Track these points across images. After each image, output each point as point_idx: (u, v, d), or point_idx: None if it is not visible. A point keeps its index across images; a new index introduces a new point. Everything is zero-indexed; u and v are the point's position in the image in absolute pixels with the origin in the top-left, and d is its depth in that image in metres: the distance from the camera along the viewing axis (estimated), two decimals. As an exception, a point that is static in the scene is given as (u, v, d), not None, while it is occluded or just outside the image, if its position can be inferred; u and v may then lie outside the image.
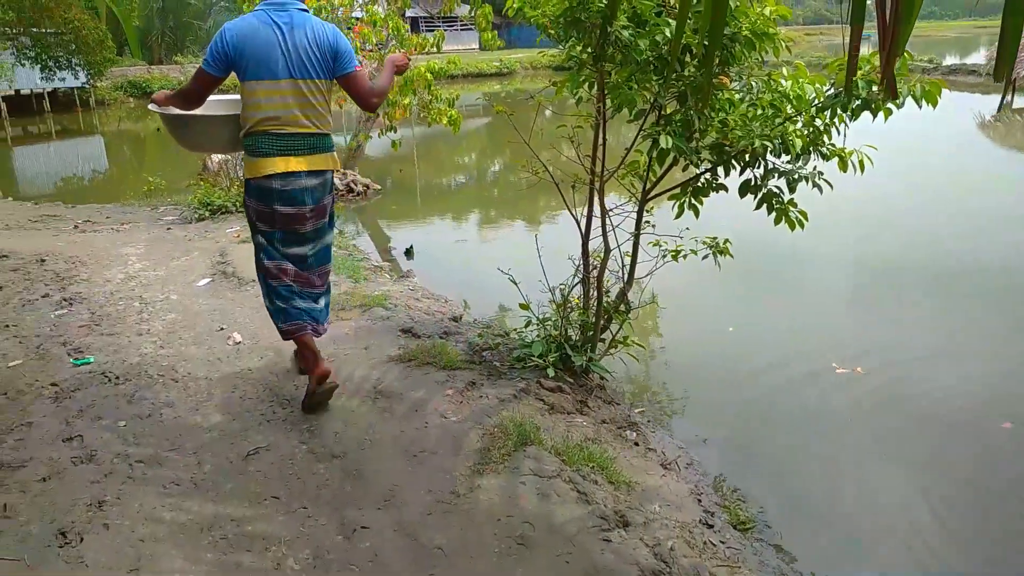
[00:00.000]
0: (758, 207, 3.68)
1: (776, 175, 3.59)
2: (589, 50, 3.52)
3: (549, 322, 4.05)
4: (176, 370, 3.86)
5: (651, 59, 3.37)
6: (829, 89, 3.43)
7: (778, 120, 3.43)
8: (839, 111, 3.35)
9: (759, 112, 3.48)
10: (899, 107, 3.29)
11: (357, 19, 8.59)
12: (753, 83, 3.59)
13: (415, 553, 2.51)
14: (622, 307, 4.02)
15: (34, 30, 19.60)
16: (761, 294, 6.11)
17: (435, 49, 8.62)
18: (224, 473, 2.96)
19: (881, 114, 3.30)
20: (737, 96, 3.57)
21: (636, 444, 3.50)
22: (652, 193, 3.85)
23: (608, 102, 3.67)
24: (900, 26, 1.48)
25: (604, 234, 3.86)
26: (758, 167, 3.59)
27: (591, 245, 4.00)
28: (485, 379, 3.77)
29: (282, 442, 3.18)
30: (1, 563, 2.44)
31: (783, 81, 3.51)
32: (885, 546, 3.18)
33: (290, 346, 3.94)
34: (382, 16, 7.96)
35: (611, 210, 3.87)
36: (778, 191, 3.64)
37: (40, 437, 3.21)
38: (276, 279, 3.39)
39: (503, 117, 3.89)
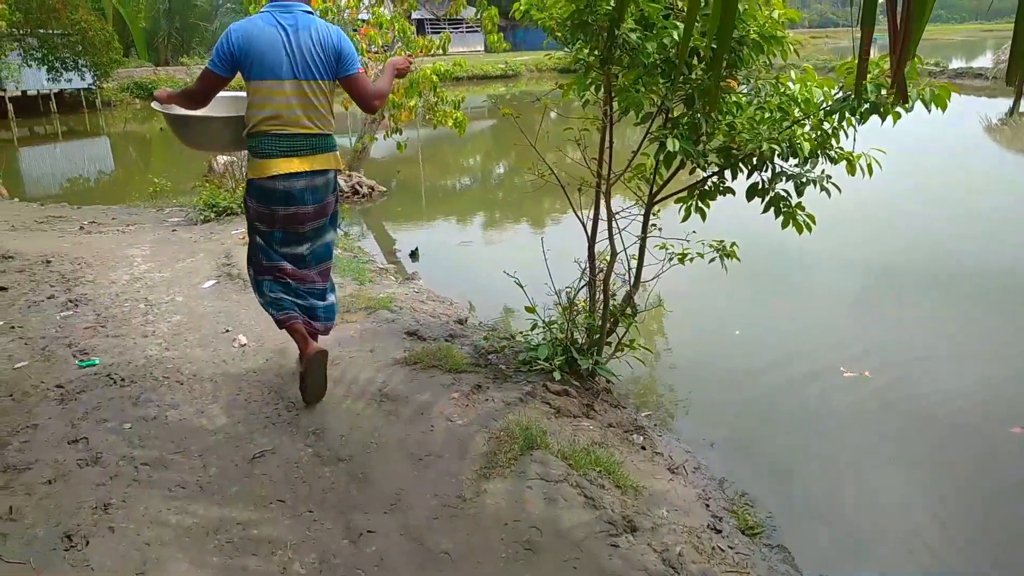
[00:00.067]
0: (765, 210, 3.66)
1: (784, 178, 3.58)
2: (596, 53, 3.51)
3: (555, 325, 4.04)
4: (181, 372, 3.86)
5: (658, 62, 3.35)
6: (837, 92, 3.42)
7: (786, 123, 3.42)
8: (847, 114, 3.34)
9: (767, 115, 3.47)
10: (908, 111, 3.27)
11: (363, 21, 8.60)
12: (761, 86, 3.57)
13: (422, 558, 2.50)
14: (628, 310, 4.01)
15: (41, 31, 19.68)
16: (767, 297, 6.09)
17: (441, 51, 8.61)
18: (229, 476, 2.95)
19: (889, 117, 3.29)
20: (744, 99, 3.56)
21: (643, 448, 3.48)
22: (659, 196, 3.84)
23: (615, 105, 3.66)
24: (911, 27, 1.46)
25: (611, 237, 3.84)
26: (766, 170, 3.58)
27: (597, 248, 3.99)
28: (491, 382, 3.76)
29: (287, 445, 3.17)
30: (7, 566, 2.43)
31: (791, 84, 3.49)
32: (893, 551, 3.16)
33: (295, 349, 3.94)
34: (388, 18, 7.96)
35: (617, 213, 3.86)
36: (786, 194, 3.62)
37: (46, 439, 3.20)
38: (269, 276, 3.46)
39: (508, 119, 3.89)
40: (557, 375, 3.75)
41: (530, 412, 3.44)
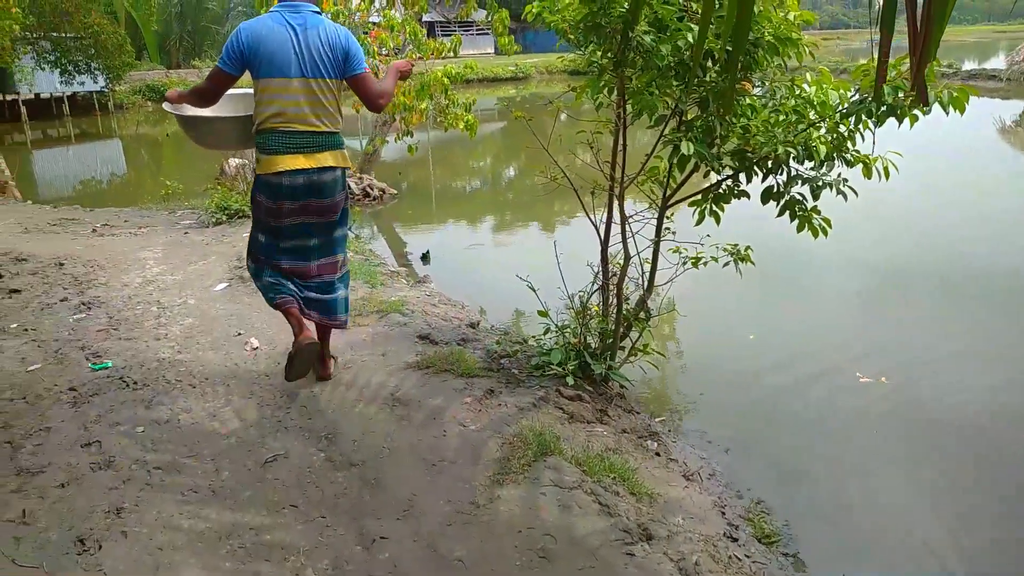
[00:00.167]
0: (780, 214, 3.63)
1: (799, 182, 3.54)
2: (609, 55, 3.49)
3: (568, 329, 4.01)
4: (194, 375, 3.86)
5: (672, 64, 3.33)
6: (853, 95, 3.39)
7: (801, 126, 3.39)
8: (863, 117, 3.30)
9: (781, 118, 3.44)
10: (926, 113, 3.23)
11: (374, 24, 8.60)
12: (776, 89, 3.54)
13: (435, 564, 2.48)
14: (642, 314, 3.98)
15: (54, 34, 19.81)
16: (781, 300, 6.05)
17: (452, 54, 8.60)
18: (242, 480, 2.94)
19: (906, 120, 3.25)
20: (759, 102, 3.53)
21: (657, 454, 3.45)
22: (672, 199, 3.81)
23: (628, 107, 3.63)
24: (932, 28, 1.43)
25: (624, 241, 3.82)
26: (781, 173, 3.55)
27: (609, 251, 3.96)
28: (503, 387, 3.73)
29: (300, 449, 3.16)
30: (20, 570, 2.43)
31: (806, 87, 3.46)
32: (911, 560, 3.12)
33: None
34: (399, 21, 7.96)
35: (631, 216, 3.83)
36: (801, 198, 3.59)
37: (58, 442, 3.20)
38: (268, 267, 3.54)
39: (518, 121, 3.88)
40: (570, 380, 3.72)
41: (543, 417, 3.42)
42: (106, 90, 24.60)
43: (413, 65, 4.11)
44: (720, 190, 3.69)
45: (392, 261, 7.54)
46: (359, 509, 2.76)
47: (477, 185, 13.93)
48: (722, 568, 2.61)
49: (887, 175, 3.40)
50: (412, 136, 8.61)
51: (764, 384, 4.61)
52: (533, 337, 4.32)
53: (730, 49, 3.21)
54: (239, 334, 4.43)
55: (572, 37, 3.60)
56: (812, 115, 3.40)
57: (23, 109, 22.73)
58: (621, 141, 3.72)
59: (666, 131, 3.54)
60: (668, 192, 3.78)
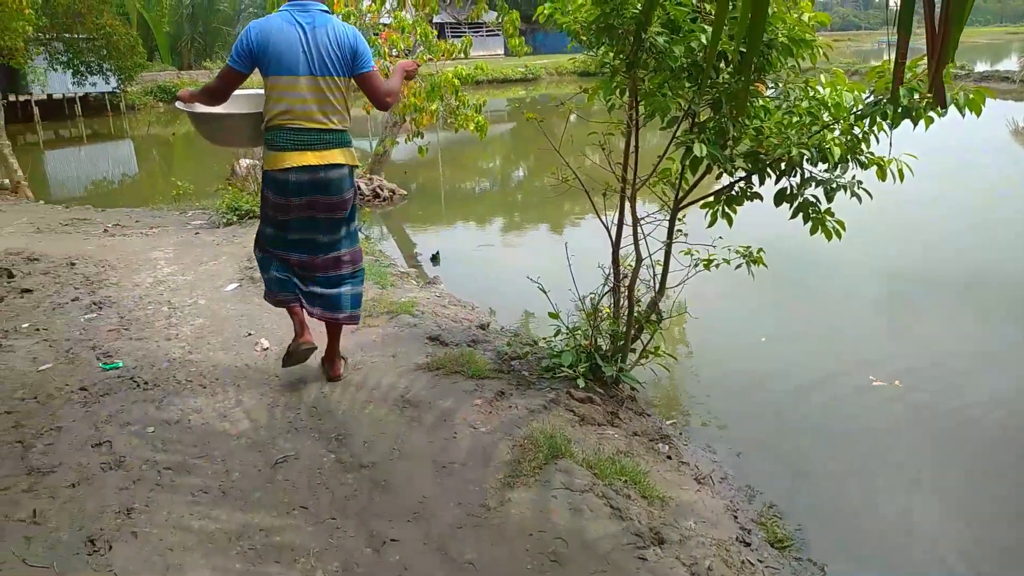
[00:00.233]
0: (794, 216, 3.60)
1: (813, 184, 3.51)
2: (622, 56, 3.47)
3: (579, 331, 3.99)
4: (204, 376, 3.86)
5: (685, 66, 3.31)
6: (868, 96, 3.36)
7: (815, 128, 3.36)
8: (878, 119, 3.27)
9: (795, 120, 3.41)
10: (941, 115, 3.20)
11: (385, 25, 8.60)
12: (789, 90, 3.51)
13: (445, 567, 2.47)
14: (653, 317, 3.96)
15: (67, 36, 19.91)
16: (793, 303, 6.01)
17: (462, 55, 8.60)
18: (252, 481, 2.93)
19: (922, 122, 3.21)
20: (773, 103, 3.50)
21: (669, 457, 3.43)
22: (685, 201, 3.79)
23: (640, 109, 3.61)
24: (950, 29, 1.41)
25: (636, 242, 3.80)
26: (794, 175, 3.52)
27: (621, 253, 3.94)
28: (514, 389, 3.72)
29: (310, 451, 3.15)
30: (31, 570, 2.43)
31: (820, 88, 3.43)
32: (925, 564, 3.09)
33: (318, 353, 3.93)
34: (410, 22, 7.96)
35: (643, 218, 3.81)
36: (815, 200, 3.56)
37: (69, 442, 3.21)
38: (276, 259, 3.59)
39: (527, 122, 3.87)
40: (581, 382, 3.70)
41: (554, 420, 3.40)
42: (118, 91, 24.73)
43: (419, 65, 4.17)
44: (733, 192, 3.67)
45: (402, 262, 7.54)
46: (369, 511, 2.75)
47: (487, 186, 13.92)
48: (735, 573, 2.59)
49: (901, 177, 3.36)
50: (423, 137, 8.62)
51: (776, 387, 4.58)
52: (543, 339, 4.31)
53: (744, 50, 3.20)
54: (249, 334, 4.43)
55: (584, 38, 3.58)
56: (826, 117, 3.38)
57: (36, 110, 22.88)
58: (633, 143, 3.70)
59: (678, 133, 3.52)
60: (680, 194, 3.76)
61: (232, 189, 8.63)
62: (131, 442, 3.21)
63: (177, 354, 4.14)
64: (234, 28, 33.90)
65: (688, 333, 5.18)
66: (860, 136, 3.36)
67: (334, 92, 3.33)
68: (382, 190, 10.42)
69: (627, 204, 3.78)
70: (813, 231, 3.57)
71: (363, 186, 10.17)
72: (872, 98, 3.31)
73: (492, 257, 8.07)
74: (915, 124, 3.20)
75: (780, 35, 3.28)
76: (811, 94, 3.43)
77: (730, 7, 2.92)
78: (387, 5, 8.52)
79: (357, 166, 3.57)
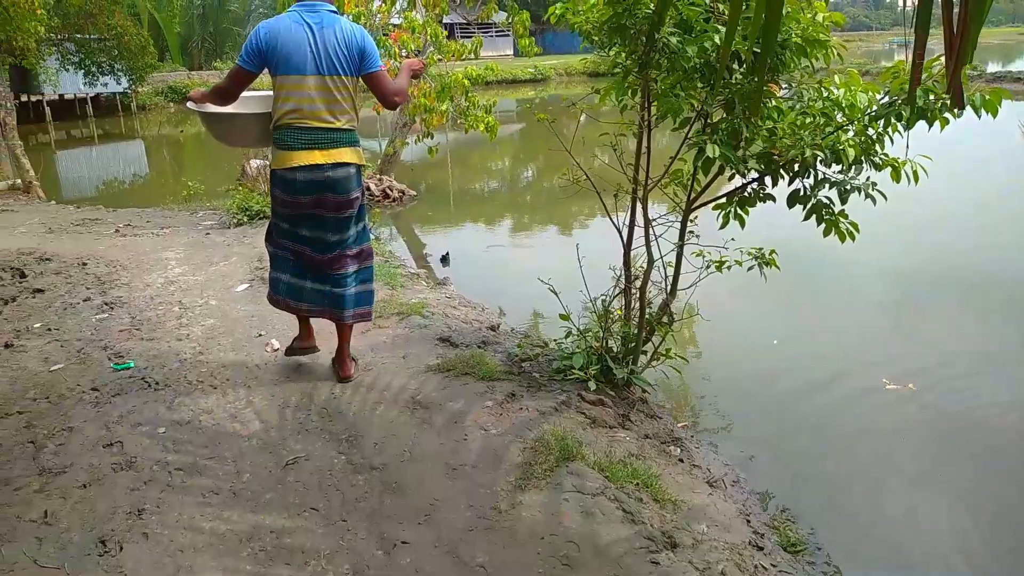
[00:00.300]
0: (807, 218, 3.57)
1: (827, 185, 3.48)
2: (634, 56, 3.45)
3: (590, 333, 3.97)
4: (215, 376, 3.86)
5: (698, 66, 3.29)
6: (883, 97, 3.33)
7: (829, 129, 3.33)
8: (892, 120, 3.24)
9: (808, 120, 3.38)
10: (957, 117, 3.17)
11: (395, 26, 8.61)
12: (804, 91, 3.49)
13: (457, 571, 2.45)
14: (665, 319, 3.93)
15: (78, 36, 19.99)
16: (805, 305, 5.97)
17: (472, 55, 8.60)
18: (263, 483, 2.93)
19: (936, 123, 3.18)
20: (786, 104, 3.48)
21: (681, 460, 3.41)
22: (697, 203, 3.76)
23: (653, 110, 3.59)
24: (969, 29, 1.39)
25: (647, 244, 3.77)
26: (808, 177, 3.49)
27: (631, 254, 3.92)
28: (525, 391, 3.70)
29: (320, 452, 3.15)
30: (42, 571, 2.43)
31: (834, 89, 3.40)
32: (940, 567, 3.07)
33: (328, 353, 3.93)
34: (420, 23, 7.96)
35: (655, 220, 3.79)
36: (828, 202, 3.53)
37: (81, 442, 3.21)
38: (285, 252, 3.65)
39: (536, 123, 3.86)
40: (592, 385, 3.68)
41: (565, 422, 3.38)
42: (129, 91, 24.86)
43: (424, 64, 4.21)
44: (745, 193, 3.64)
45: (412, 263, 7.53)
46: (380, 513, 2.74)
47: (496, 186, 13.91)
48: (748, 578, 2.56)
49: (916, 179, 3.33)
50: (433, 138, 8.62)
51: (788, 390, 4.55)
52: (554, 340, 4.29)
53: (757, 51, 3.17)
54: (260, 335, 4.43)
55: (596, 39, 3.57)
56: (840, 118, 3.35)
57: (47, 110, 23.01)
58: (645, 143, 3.68)
59: (690, 133, 3.50)
60: (692, 195, 3.74)
61: (243, 189, 8.65)
62: (142, 443, 3.21)
63: (188, 354, 4.14)
64: (244, 28, 34.03)
65: (699, 334, 5.14)
66: (874, 137, 3.34)
67: (341, 91, 3.36)
68: (392, 190, 10.43)
69: (639, 205, 3.76)
70: (827, 233, 3.54)
71: (373, 186, 10.18)
72: (887, 99, 3.28)
73: (501, 258, 8.06)
74: (930, 125, 3.17)
75: (794, 35, 3.25)
76: (825, 94, 3.41)
77: (743, 7, 2.92)
78: (397, 5, 8.52)
79: (364, 165, 3.59)
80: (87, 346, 4.30)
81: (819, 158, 3.33)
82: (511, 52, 40.72)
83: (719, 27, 3.22)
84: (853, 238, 3.51)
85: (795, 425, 4.19)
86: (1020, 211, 8.69)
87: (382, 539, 2.60)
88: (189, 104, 3.67)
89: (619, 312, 3.97)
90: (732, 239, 3.66)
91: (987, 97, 3.06)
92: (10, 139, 10.41)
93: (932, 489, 3.62)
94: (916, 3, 1.46)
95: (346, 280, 3.65)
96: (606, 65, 3.76)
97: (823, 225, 3.54)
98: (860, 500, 3.53)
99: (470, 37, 9.34)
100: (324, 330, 4.16)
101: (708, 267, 3.76)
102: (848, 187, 3.42)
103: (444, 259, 7.63)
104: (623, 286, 3.94)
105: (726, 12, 3.32)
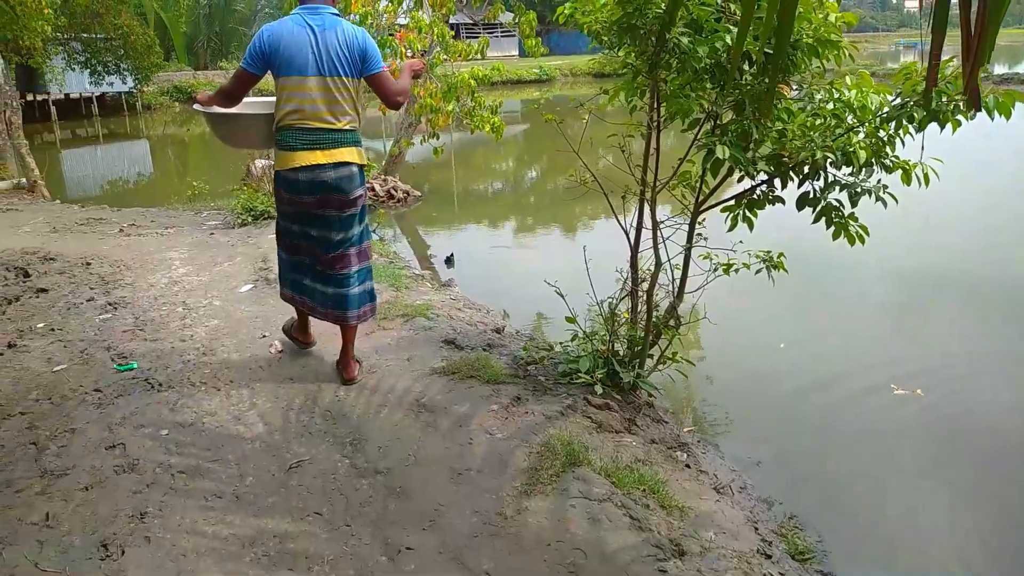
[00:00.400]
0: (816, 220, 3.53)
1: (837, 188, 3.44)
2: (644, 57, 3.42)
3: (596, 336, 3.94)
4: (218, 378, 3.83)
5: (709, 67, 3.25)
6: (895, 99, 3.29)
7: (839, 131, 3.29)
8: (903, 122, 3.20)
9: (819, 122, 3.34)
10: (971, 119, 3.12)
11: (401, 26, 8.58)
12: (814, 92, 3.45)
13: (462, 578, 2.42)
14: (671, 322, 3.89)
15: (84, 35, 20.06)
16: (812, 308, 5.92)
17: (479, 56, 8.57)
18: (266, 486, 2.90)
19: (948, 125, 3.14)
20: (796, 105, 3.44)
21: (687, 466, 3.37)
22: (705, 205, 3.72)
23: (662, 110, 3.56)
24: (987, 28, 1.35)
25: (655, 246, 3.73)
26: (818, 179, 3.45)
27: (638, 256, 3.88)
28: (530, 394, 3.67)
29: (324, 455, 3.12)
30: (43, 574, 2.40)
31: (846, 90, 3.37)
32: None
33: (332, 355, 3.91)
34: (427, 23, 7.93)
35: (662, 222, 3.75)
36: (838, 204, 3.49)
37: (83, 444, 3.19)
38: (293, 253, 3.71)
39: (541, 123, 3.85)
40: (599, 388, 3.65)
41: (571, 426, 3.35)
42: (134, 91, 24.91)
43: (425, 65, 4.26)
44: (754, 196, 3.61)
45: (416, 264, 7.51)
46: (384, 518, 2.71)
47: (500, 187, 13.88)
48: (758, 587, 2.53)
49: (927, 181, 3.29)
50: (438, 138, 8.59)
51: (795, 394, 4.50)
52: (560, 343, 4.25)
53: (769, 51, 3.14)
54: (264, 336, 4.40)
55: (605, 39, 3.54)
56: (850, 119, 3.31)
57: (53, 109, 23.04)
58: (655, 144, 3.64)
59: (700, 135, 3.46)
60: (700, 197, 3.70)
61: (247, 189, 8.63)
62: (145, 445, 3.18)
63: (191, 355, 4.12)
64: (250, 28, 34.10)
65: (706, 338, 5.10)
66: (885, 139, 3.30)
67: (342, 92, 3.40)
68: (396, 191, 10.41)
69: (646, 207, 3.73)
70: (836, 236, 3.50)
71: (377, 187, 10.16)
72: (899, 100, 3.24)
73: (506, 259, 8.03)
74: (942, 127, 3.13)
75: (805, 36, 3.22)
76: (836, 96, 3.37)
77: (755, 7, 2.88)
78: (404, 5, 8.50)
79: (366, 165, 3.63)
80: (90, 346, 4.28)
81: (829, 160, 3.29)
82: (516, 52, 40.69)
83: (730, 27, 3.18)
84: (863, 241, 3.47)
85: (801, 430, 4.15)
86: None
87: (386, 545, 2.57)
88: (196, 106, 3.73)
89: (626, 315, 3.94)
90: (740, 241, 3.62)
91: (1000, 99, 3.02)
92: (15, 138, 10.40)
93: (942, 495, 3.57)
94: (933, 3, 1.43)
95: (349, 279, 3.66)
96: (613, 65, 3.73)
97: (832, 228, 3.50)
98: (867, 506, 3.49)
99: (476, 37, 9.30)
100: (328, 331, 4.13)
101: (716, 270, 3.73)
102: (859, 190, 3.38)
103: (448, 260, 7.60)
104: (630, 289, 3.91)
105: (737, 12, 3.28)
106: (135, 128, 24.04)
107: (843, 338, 5.36)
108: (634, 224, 3.82)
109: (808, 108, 3.41)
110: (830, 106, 3.35)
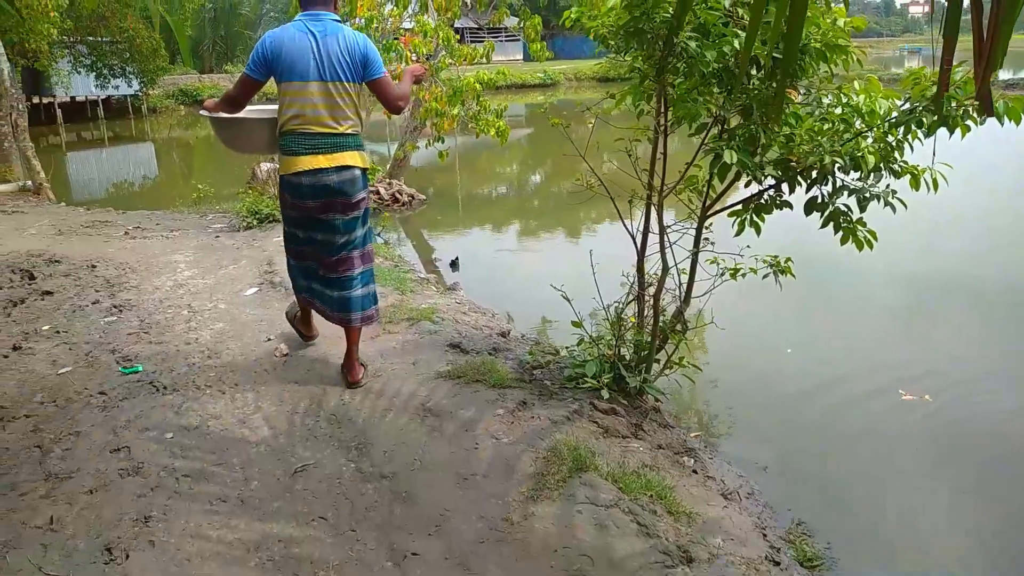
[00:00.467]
0: (824, 225, 3.51)
1: (846, 193, 3.43)
2: (651, 61, 3.40)
3: (602, 341, 3.92)
4: (223, 381, 3.82)
5: (716, 71, 3.24)
6: (904, 103, 3.27)
7: (848, 135, 3.28)
8: (912, 127, 3.19)
9: (827, 127, 3.33)
10: (980, 124, 3.11)
11: (406, 30, 8.59)
12: (822, 97, 3.43)
13: (468, 584, 2.40)
14: (678, 326, 3.88)
15: (91, 39, 20.14)
16: (819, 313, 5.90)
17: (484, 60, 8.57)
18: (271, 490, 2.88)
19: (957, 130, 3.12)
20: (804, 110, 3.42)
21: (695, 471, 3.35)
22: (712, 209, 3.71)
23: (669, 115, 3.55)
24: (999, 33, 1.34)
25: (662, 251, 3.72)
26: (826, 184, 3.44)
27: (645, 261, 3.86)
28: (536, 399, 3.65)
29: (329, 459, 3.10)
30: (47, 579, 2.39)
31: (854, 95, 3.35)
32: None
33: (337, 358, 3.90)
34: (432, 27, 7.94)
35: (669, 227, 3.74)
36: (846, 209, 3.47)
37: (88, 447, 3.18)
38: (300, 259, 3.76)
39: (545, 127, 3.84)
40: (605, 393, 3.63)
41: (577, 431, 3.33)
42: (140, 94, 24.96)
43: (426, 70, 4.30)
44: (762, 200, 3.59)
45: (421, 267, 7.50)
46: (390, 523, 2.70)
47: (505, 191, 13.87)
48: (767, 595, 2.51)
49: (936, 187, 3.27)
50: (443, 142, 8.58)
51: (802, 399, 4.48)
52: (566, 348, 4.23)
53: (780, 56, 3.12)
54: (269, 339, 4.39)
55: (612, 43, 3.52)
56: (859, 124, 3.29)
57: (59, 112, 23.11)
58: (662, 149, 3.63)
59: (707, 139, 3.45)
60: (707, 201, 3.68)
61: (252, 193, 8.63)
62: (149, 448, 3.17)
63: (196, 358, 4.11)
64: (255, 32, 34.16)
65: (712, 343, 5.08)
66: (894, 144, 3.28)
67: (344, 97, 3.44)
68: (401, 195, 10.40)
69: (653, 211, 3.71)
70: (844, 241, 3.48)
71: (382, 190, 10.16)
72: (908, 105, 3.23)
73: (510, 263, 8.02)
74: (951, 132, 3.11)
75: (814, 40, 3.20)
76: (844, 100, 3.35)
77: (764, 11, 2.87)
78: (409, 9, 8.51)
79: (369, 169, 3.67)
80: (95, 349, 4.28)
81: (838, 165, 3.27)
82: (520, 57, 40.75)
83: (738, 31, 3.17)
84: (871, 246, 3.45)
85: (809, 435, 4.12)
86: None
87: (392, 550, 2.55)
88: (202, 112, 3.79)
89: (632, 319, 3.92)
90: (748, 246, 3.61)
91: (1010, 104, 3.00)
92: (21, 141, 10.42)
93: (950, 502, 3.55)
94: (945, 7, 1.41)
95: (353, 282, 3.69)
96: (619, 70, 3.72)
97: (840, 233, 3.48)
98: (876, 512, 3.46)
99: (480, 41, 9.31)
100: (332, 334, 4.13)
101: (723, 275, 3.71)
102: (867, 195, 3.36)
103: (453, 264, 7.59)
104: (636, 293, 3.89)
105: (745, 16, 3.27)
106: (140, 131, 24.09)
107: (850, 343, 5.34)
108: (641, 228, 3.81)
109: (816, 113, 3.40)
110: (838, 111, 3.33)
